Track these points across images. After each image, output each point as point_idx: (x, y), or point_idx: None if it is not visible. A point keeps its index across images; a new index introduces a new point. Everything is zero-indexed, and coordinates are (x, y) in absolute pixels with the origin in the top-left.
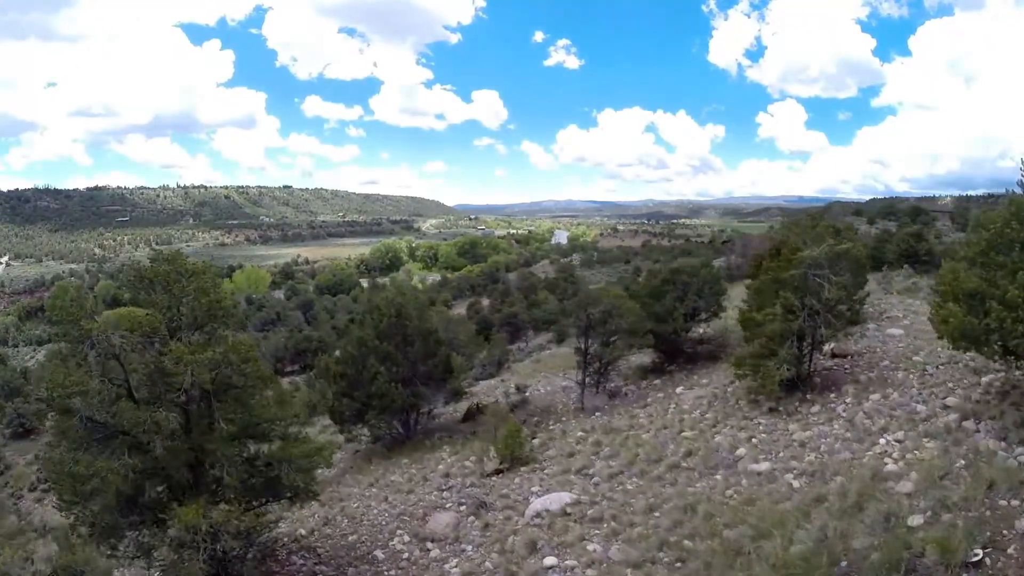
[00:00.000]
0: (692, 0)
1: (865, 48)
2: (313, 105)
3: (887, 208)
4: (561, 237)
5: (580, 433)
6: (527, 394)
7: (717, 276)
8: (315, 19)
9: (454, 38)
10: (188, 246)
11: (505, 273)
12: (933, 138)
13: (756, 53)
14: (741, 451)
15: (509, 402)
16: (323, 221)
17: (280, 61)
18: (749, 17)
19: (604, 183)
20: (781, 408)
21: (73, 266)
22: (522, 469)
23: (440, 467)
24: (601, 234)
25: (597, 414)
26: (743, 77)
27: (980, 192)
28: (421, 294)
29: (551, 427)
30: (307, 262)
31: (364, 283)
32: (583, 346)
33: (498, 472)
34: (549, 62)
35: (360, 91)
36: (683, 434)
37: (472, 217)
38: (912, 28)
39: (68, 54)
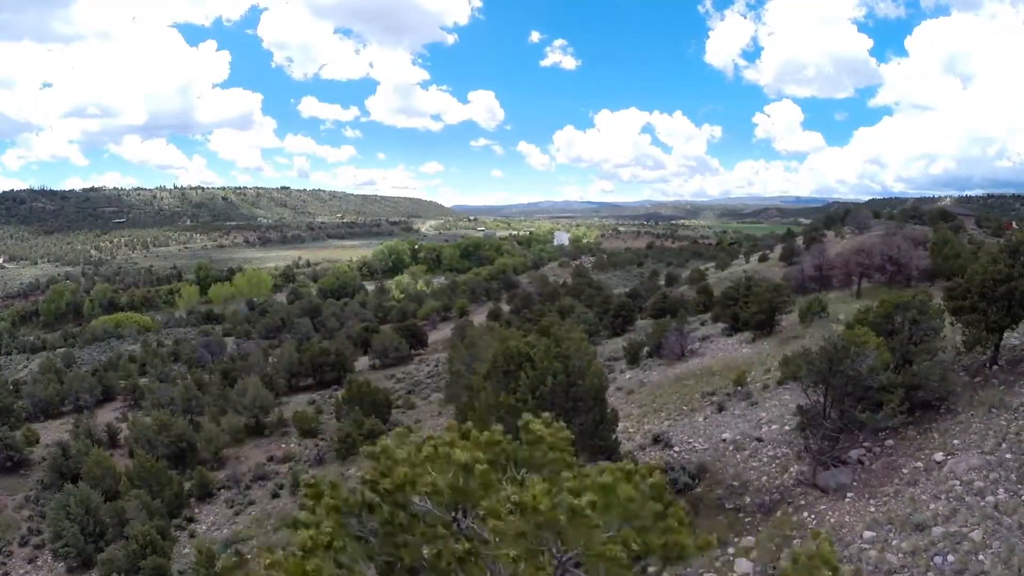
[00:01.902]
0: (688, 0)
1: (862, 48)
2: (309, 106)
3: (911, 211)
4: (562, 238)
5: (867, 533)
6: (675, 448)
7: (940, 311)
8: (310, 20)
9: (450, 38)
10: (186, 248)
11: (514, 276)
12: (929, 138)
13: (752, 54)
14: None
15: (672, 466)
16: (322, 222)
17: (276, 62)
18: (745, 18)
19: (601, 184)
20: None
21: (69, 268)
22: None
23: None
24: (603, 235)
25: (849, 496)
26: (739, 78)
27: (979, 192)
28: (582, 338)
29: (792, 516)
30: (308, 264)
31: (369, 287)
32: (822, 407)
33: None
34: (545, 62)
35: (356, 92)
36: None
37: (471, 218)
38: (909, 28)
39: (63, 55)
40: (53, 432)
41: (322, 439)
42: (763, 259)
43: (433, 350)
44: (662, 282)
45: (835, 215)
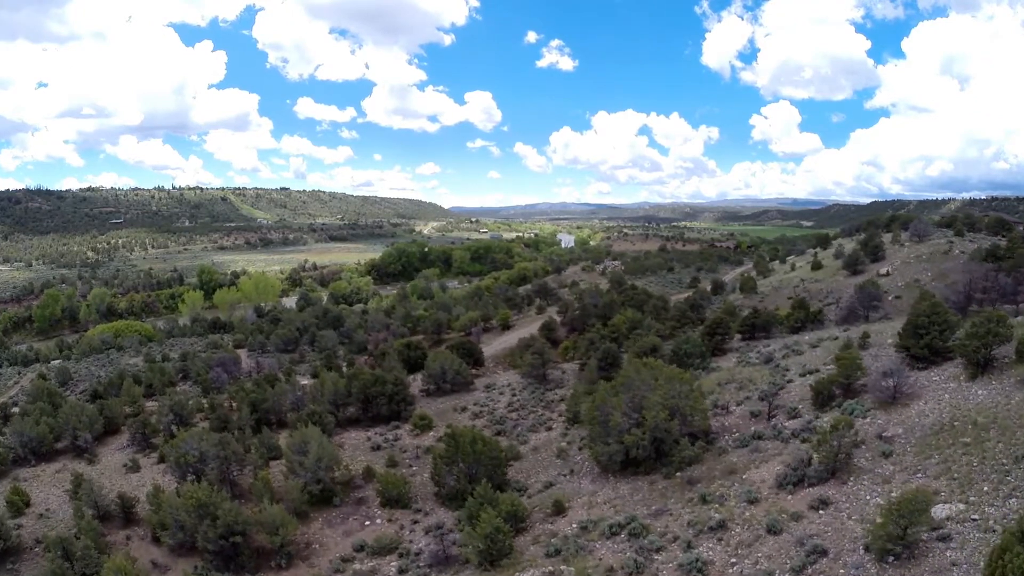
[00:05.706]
0: (685, 1)
1: (859, 50)
2: (305, 107)
3: (965, 219)
4: (567, 241)
5: None
6: None
7: None
8: (306, 20)
9: (447, 39)
10: (186, 249)
11: (536, 280)
12: (927, 140)
13: (749, 55)
14: None
15: None
16: (323, 224)
17: (271, 62)
18: (743, 19)
19: (597, 185)
20: None
21: (64, 271)
22: None
23: None
24: (608, 237)
25: None
26: (736, 79)
27: (980, 195)
28: None
29: None
30: (315, 267)
31: (382, 292)
32: None
33: None
34: (542, 63)
35: (352, 93)
36: None
37: (473, 220)
38: (906, 30)
39: (59, 55)
40: (47, 485)
41: (419, 511)
42: (816, 267)
43: (488, 370)
44: (708, 289)
45: (878, 220)
